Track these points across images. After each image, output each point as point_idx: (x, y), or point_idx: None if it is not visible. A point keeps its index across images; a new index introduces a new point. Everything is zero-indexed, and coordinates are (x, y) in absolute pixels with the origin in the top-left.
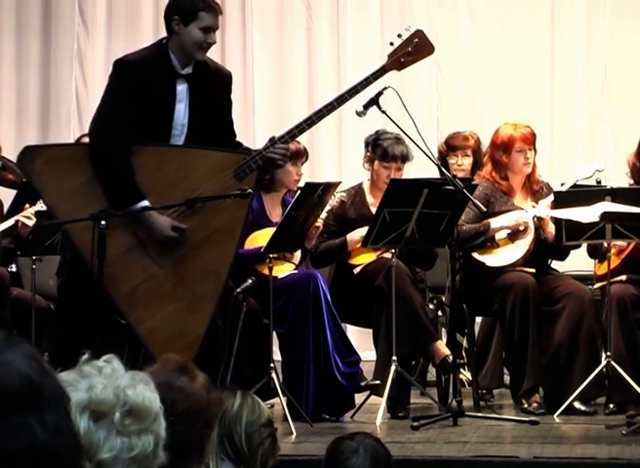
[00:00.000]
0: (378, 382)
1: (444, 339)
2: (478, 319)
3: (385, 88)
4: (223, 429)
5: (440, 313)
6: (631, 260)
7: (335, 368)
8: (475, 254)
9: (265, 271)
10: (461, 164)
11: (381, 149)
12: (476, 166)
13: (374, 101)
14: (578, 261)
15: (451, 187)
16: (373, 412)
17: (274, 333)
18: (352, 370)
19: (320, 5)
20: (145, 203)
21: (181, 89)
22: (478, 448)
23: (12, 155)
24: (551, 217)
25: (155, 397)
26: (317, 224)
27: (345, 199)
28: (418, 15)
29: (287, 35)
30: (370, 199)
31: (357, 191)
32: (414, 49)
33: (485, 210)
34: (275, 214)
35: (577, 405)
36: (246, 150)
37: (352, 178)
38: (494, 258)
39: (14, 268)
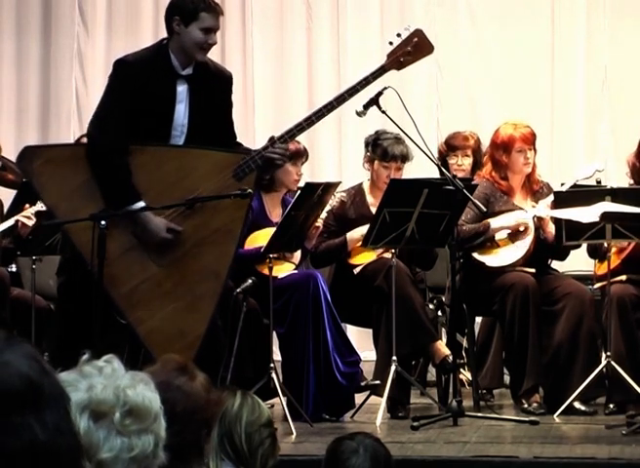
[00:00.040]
0: (378, 382)
1: (444, 339)
2: (478, 319)
3: (385, 88)
4: (223, 429)
5: (440, 313)
6: (631, 260)
7: (335, 368)
8: (475, 255)
9: (265, 271)
10: (461, 164)
11: (381, 149)
12: (476, 166)
13: (374, 101)
14: (578, 261)
15: (451, 187)
16: (373, 412)
17: (274, 333)
18: (352, 370)
19: (320, 5)
20: (141, 204)
21: (182, 89)
22: (478, 448)
23: (12, 155)
24: (551, 217)
25: (155, 397)
26: (317, 224)
27: (345, 199)
28: (418, 15)
29: (287, 35)
30: (370, 199)
31: (357, 191)
32: (413, 48)
33: (485, 210)
34: (275, 214)
35: (577, 405)
36: (246, 150)
37: (352, 178)
38: (494, 258)
39: (14, 268)
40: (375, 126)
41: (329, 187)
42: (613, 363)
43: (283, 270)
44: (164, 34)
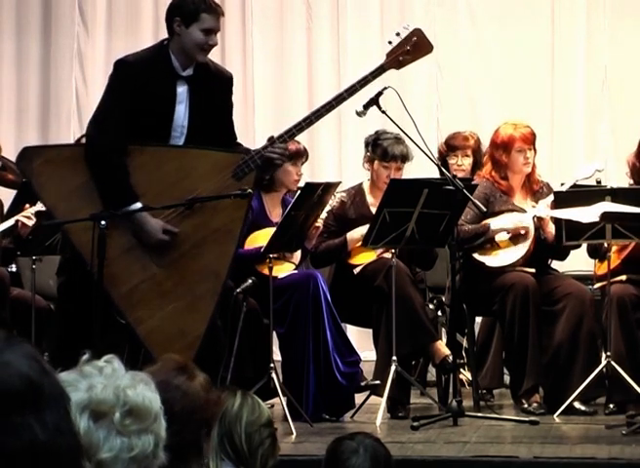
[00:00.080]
0: (378, 382)
1: (444, 339)
2: (478, 319)
3: (385, 88)
4: (223, 429)
5: (440, 313)
6: (631, 260)
7: (335, 368)
8: (475, 255)
9: (265, 271)
10: (461, 164)
11: (381, 149)
12: (476, 166)
13: (374, 101)
14: (578, 261)
15: (451, 187)
16: (373, 412)
17: (274, 333)
18: (352, 370)
19: (320, 5)
20: (139, 205)
21: (182, 90)
22: (478, 448)
23: (12, 155)
24: (551, 217)
25: (155, 397)
26: (317, 224)
27: (345, 199)
28: (418, 15)
29: (287, 35)
30: (370, 199)
31: (357, 191)
32: (412, 47)
33: (485, 210)
34: (275, 214)
35: (577, 405)
36: (245, 150)
37: (352, 178)
38: (494, 259)
39: (14, 268)
40: (375, 126)
41: (329, 187)
42: (613, 363)
43: (283, 270)
44: (164, 34)
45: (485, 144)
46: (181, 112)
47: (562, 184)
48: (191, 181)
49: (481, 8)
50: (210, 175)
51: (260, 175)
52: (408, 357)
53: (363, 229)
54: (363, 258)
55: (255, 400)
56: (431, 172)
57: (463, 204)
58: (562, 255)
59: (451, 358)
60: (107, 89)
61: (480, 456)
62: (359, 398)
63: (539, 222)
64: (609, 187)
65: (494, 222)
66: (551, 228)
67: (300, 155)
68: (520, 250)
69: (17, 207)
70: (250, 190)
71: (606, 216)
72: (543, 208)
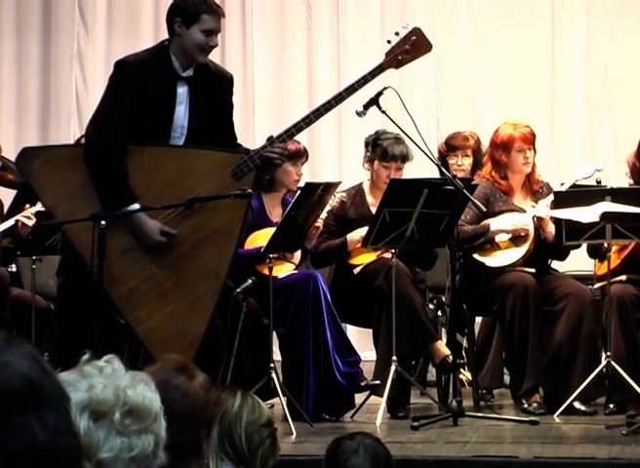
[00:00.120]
0: (378, 382)
1: (444, 339)
2: (478, 319)
3: (385, 88)
4: (223, 429)
5: (440, 313)
6: (631, 260)
7: (335, 368)
8: (475, 255)
9: (265, 271)
10: (461, 164)
11: (381, 149)
12: (476, 166)
13: (374, 101)
14: (578, 261)
15: (451, 187)
16: (373, 412)
17: (274, 333)
18: (352, 370)
19: (320, 5)
20: (136, 206)
21: (182, 91)
22: (478, 448)
23: (12, 155)
24: (551, 217)
25: (156, 397)
26: (317, 224)
27: (345, 199)
28: (418, 15)
29: (287, 35)
30: (370, 199)
31: (357, 191)
32: (411, 47)
33: (485, 210)
34: (275, 214)
35: (577, 405)
36: (245, 151)
37: (352, 178)
38: (494, 259)
39: (14, 268)
40: (375, 126)
41: (329, 187)
42: (613, 363)
43: (283, 270)
44: (164, 34)
45: (485, 144)
46: (182, 113)
47: (562, 184)
48: (191, 181)
49: (481, 8)
50: (209, 175)
51: (260, 174)
52: (408, 357)
53: (363, 231)
54: (363, 258)
55: (255, 400)
56: (431, 172)
57: (463, 204)
58: (562, 255)
59: (451, 358)
60: (107, 89)
61: (480, 456)
62: (359, 398)
63: (538, 222)
64: (609, 187)
65: (494, 223)
66: (551, 228)
67: (300, 155)
68: (520, 249)
69: (17, 207)
70: (250, 190)
71: (606, 216)
72: (543, 208)
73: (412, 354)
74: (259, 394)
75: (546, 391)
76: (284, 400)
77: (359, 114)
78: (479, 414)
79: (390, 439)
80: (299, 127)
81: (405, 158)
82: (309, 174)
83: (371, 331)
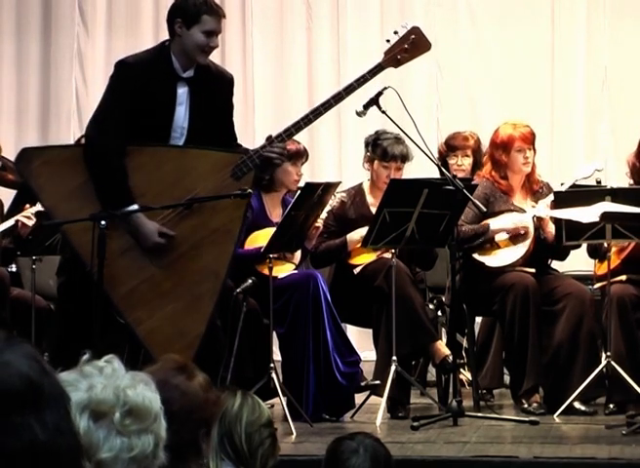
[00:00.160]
0: (378, 382)
1: (444, 339)
2: (478, 319)
3: (385, 88)
4: (224, 429)
5: (440, 313)
6: (631, 260)
7: (335, 368)
8: (475, 255)
9: (265, 271)
10: (461, 164)
11: (381, 149)
12: (476, 166)
13: (374, 101)
14: (578, 261)
15: (451, 187)
16: (373, 412)
17: (274, 333)
18: (352, 370)
19: (320, 5)
20: (135, 207)
21: (182, 92)
22: (478, 448)
23: (12, 155)
24: (551, 217)
25: (156, 397)
26: (317, 224)
27: (345, 199)
28: (418, 15)
29: (287, 35)
30: (370, 199)
31: (357, 191)
32: (410, 46)
33: (485, 210)
34: (275, 214)
35: (577, 405)
36: (244, 150)
37: (352, 178)
38: (493, 259)
39: (14, 268)
40: (375, 126)
41: (329, 187)
42: (613, 363)
43: (283, 270)
44: (164, 34)
45: (485, 144)
46: (182, 113)
47: (562, 184)
48: (190, 181)
49: (481, 8)
50: (209, 175)
51: (259, 174)
52: (408, 357)
53: (363, 230)
54: (363, 259)
55: (255, 400)
56: (431, 172)
57: (463, 204)
58: (562, 255)
59: (451, 358)
60: (107, 89)
61: (480, 456)
62: (359, 398)
63: (538, 222)
64: (609, 187)
65: (494, 222)
66: (551, 228)
67: (300, 155)
68: (520, 249)
69: (17, 207)
70: (250, 190)
71: (606, 216)
72: (543, 208)
73: (412, 354)
74: (259, 394)
75: (546, 391)
76: (284, 400)
77: (359, 114)
78: (479, 414)
79: (390, 439)
80: (298, 126)
81: (405, 158)
82: (309, 174)
83: (371, 331)
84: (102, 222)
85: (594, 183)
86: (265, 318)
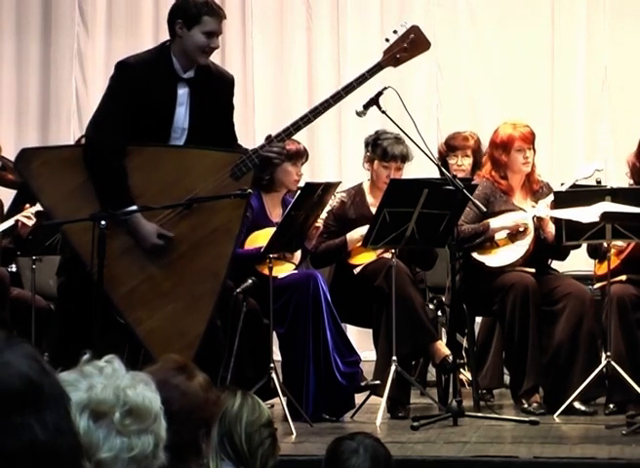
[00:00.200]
0: (378, 382)
1: (444, 339)
2: (478, 319)
3: (385, 88)
4: (224, 429)
5: (440, 313)
6: (631, 260)
7: (335, 368)
8: (475, 255)
9: (265, 271)
10: (461, 164)
11: (381, 149)
12: (476, 166)
13: (374, 101)
14: (578, 261)
15: (451, 187)
16: (373, 412)
17: (274, 333)
18: (352, 370)
19: (320, 5)
20: (134, 208)
21: (182, 92)
22: (478, 448)
23: (12, 155)
24: (551, 217)
25: (156, 397)
26: (317, 224)
27: (345, 199)
28: (417, 15)
29: (287, 35)
30: (370, 199)
31: (357, 191)
32: (409, 45)
33: (485, 210)
34: (275, 214)
35: (577, 405)
36: (244, 150)
37: (352, 178)
38: (493, 258)
39: (14, 268)
40: (375, 126)
41: (329, 187)
42: (613, 363)
43: (283, 270)
44: (164, 35)
45: (485, 144)
46: (182, 114)
47: (562, 184)
48: (190, 181)
49: (481, 8)
50: (208, 175)
51: (259, 174)
52: (408, 357)
53: (363, 230)
54: (363, 258)
55: (255, 400)
56: (431, 172)
57: (463, 204)
58: (562, 255)
59: (451, 358)
60: (108, 90)
61: (480, 456)
62: (359, 398)
63: (538, 222)
64: (609, 187)
65: (493, 221)
66: (551, 228)
67: (300, 155)
68: (520, 249)
69: (17, 207)
70: (249, 190)
71: (606, 216)
72: (543, 208)
73: (412, 354)
74: (259, 394)
75: (546, 391)
76: (284, 400)
77: (359, 114)
78: (479, 414)
79: (390, 439)
80: (297, 126)
81: (405, 158)
82: (309, 174)
83: (371, 331)
84: (102, 222)
85: (594, 183)
86: (265, 318)
